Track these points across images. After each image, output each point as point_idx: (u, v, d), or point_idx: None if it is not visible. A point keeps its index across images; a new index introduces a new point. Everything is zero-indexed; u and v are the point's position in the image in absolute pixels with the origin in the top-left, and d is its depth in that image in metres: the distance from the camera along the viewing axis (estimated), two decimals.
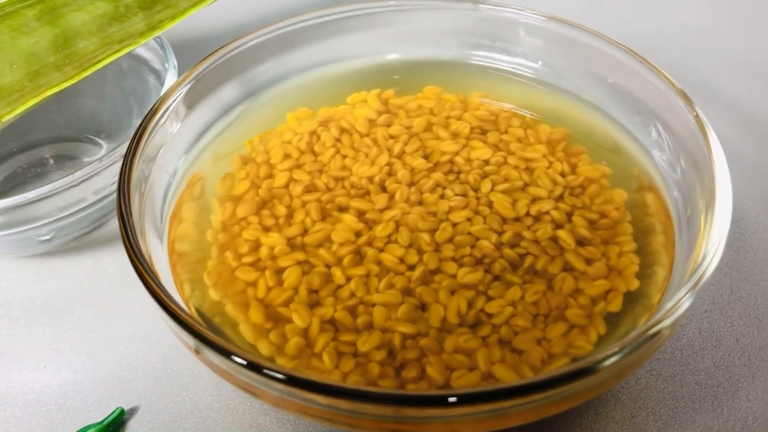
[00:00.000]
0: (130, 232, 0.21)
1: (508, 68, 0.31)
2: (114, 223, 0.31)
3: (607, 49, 0.28)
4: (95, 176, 0.27)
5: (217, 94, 0.28)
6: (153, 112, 0.25)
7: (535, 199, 0.26)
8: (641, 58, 0.26)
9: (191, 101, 0.27)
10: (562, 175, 0.27)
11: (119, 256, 0.31)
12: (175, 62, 0.31)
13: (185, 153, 0.27)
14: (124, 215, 0.22)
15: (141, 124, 0.25)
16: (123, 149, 0.27)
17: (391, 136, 0.29)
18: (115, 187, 0.27)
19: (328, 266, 0.24)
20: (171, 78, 0.30)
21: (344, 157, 0.28)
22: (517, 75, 0.30)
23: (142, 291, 0.20)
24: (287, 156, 0.28)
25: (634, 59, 0.27)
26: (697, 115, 0.24)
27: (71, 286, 0.30)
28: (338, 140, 0.28)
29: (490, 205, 0.26)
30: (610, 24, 0.39)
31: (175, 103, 0.26)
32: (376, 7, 0.30)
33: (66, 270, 0.30)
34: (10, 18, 0.31)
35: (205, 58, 0.27)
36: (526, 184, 0.26)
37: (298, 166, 0.28)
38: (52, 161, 0.35)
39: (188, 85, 0.27)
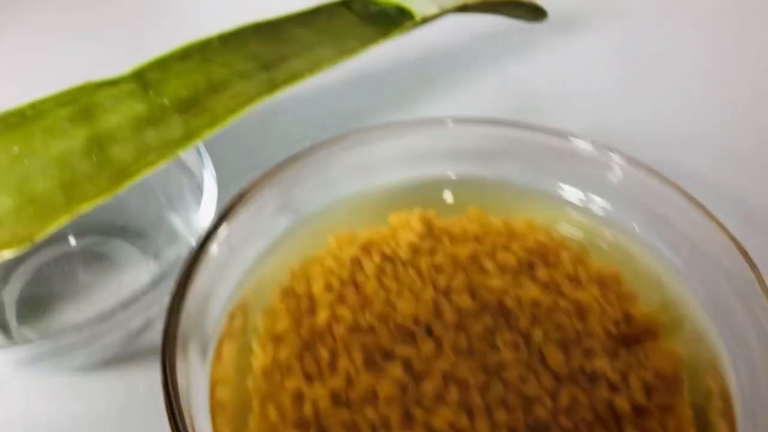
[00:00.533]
0: (174, 403, 0.20)
1: (554, 193, 0.30)
2: (144, 337, 0.31)
3: (661, 187, 0.27)
4: (136, 317, 0.26)
5: (261, 219, 0.27)
6: (201, 247, 0.24)
7: (588, 353, 0.25)
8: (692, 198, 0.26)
9: (236, 230, 0.26)
10: (616, 324, 0.26)
11: (149, 374, 0.30)
12: (213, 169, 0.30)
13: (227, 284, 0.26)
14: (170, 386, 0.21)
15: (190, 262, 0.24)
16: (167, 285, 0.26)
17: (436, 267, 0.28)
18: (153, 313, 0.26)
19: (374, 428, 0.23)
20: (209, 186, 0.29)
21: (387, 290, 0.27)
22: (565, 201, 0.29)
23: None
24: (329, 287, 0.27)
25: (684, 198, 0.26)
26: (752, 266, 0.23)
27: (101, 408, 0.29)
28: (381, 269, 0.27)
29: (542, 358, 0.25)
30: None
31: (221, 234, 0.25)
32: (422, 123, 0.29)
33: (96, 389, 0.29)
34: (43, 118, 0.30)
35: (253, 186, 0.26)
36: (578, 334, 0.25)
37: (340, 300, 0.27)
38: (79, 259, 0.34)
39: (234, 217, 0.26)
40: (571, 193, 0.29)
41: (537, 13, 0.45)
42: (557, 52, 0.49)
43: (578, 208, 0.29)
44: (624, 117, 0.43)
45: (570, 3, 0.53)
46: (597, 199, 0.29)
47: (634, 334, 0.25)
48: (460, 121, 0.29)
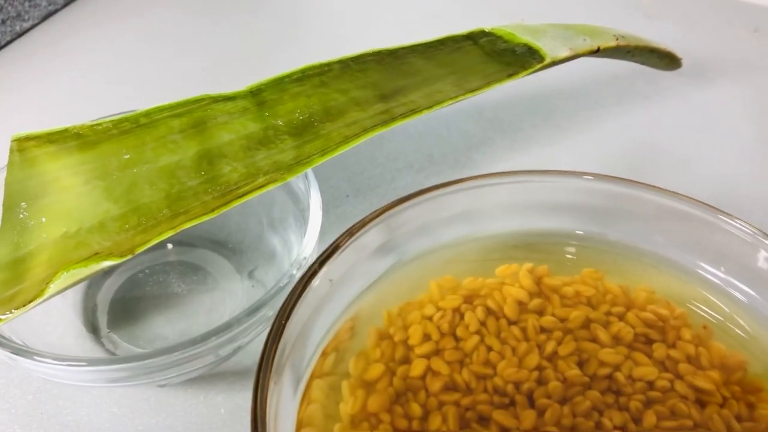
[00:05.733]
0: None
1: (685, 266, 0.27)
2: (231, 359, 0.30)
3: None
4: (229, 344, 0.25)
5: (363, 257, 0.26)
6: (306, 281, 0.23)
7: None
8: None
9: (338, 267, 0.25)
10: (738, 418, 0.23)
11: (233, 396, 0.29)
12: (319, 197, 0.29)
13: (324, 321, 0.25)
14: (258, 420, 0.20)
15: (294, 295, 0.23)
16: (264, 312, 0.25)
17: (543, 329, 0.26)
18: (246, 341, 0.25)
19: None
20: (315, 214, 0.28)
21: (489, 349, 0.25)
22: (696, 276, 0.27)
23: None
24: (427, 338, 0.26)
25: None
26: None
27: (180, 425, 0.28)
28: (483, 324, 0.26)
29: None
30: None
31: (324, 271, 0.24)
32: (541, 177, 0.27)
33: (177, 405, 0.29)
34: (156, 127, 0.30)
35: (361, 225, 0.25)
36: (695, 425, 0.23)
37: (438, 353, 0.25)
38: (174, 268, 0.33)
39: (340, 254, 0.25)
40: (703, 268, 0.27)
41: (671, 62, 0.42)
42: (686, 103, 0.46)
43: (710, 285, 0.27)
44: (756, 182, 0.40)
45: (705, 51, 0.50)
46: (733, 280, 0.26)
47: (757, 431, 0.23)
48: (597, 177, 0.27)
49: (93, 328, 0.31)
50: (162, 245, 0.34)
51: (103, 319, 0.32)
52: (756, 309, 0.26)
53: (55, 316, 0.30)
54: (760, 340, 0.25)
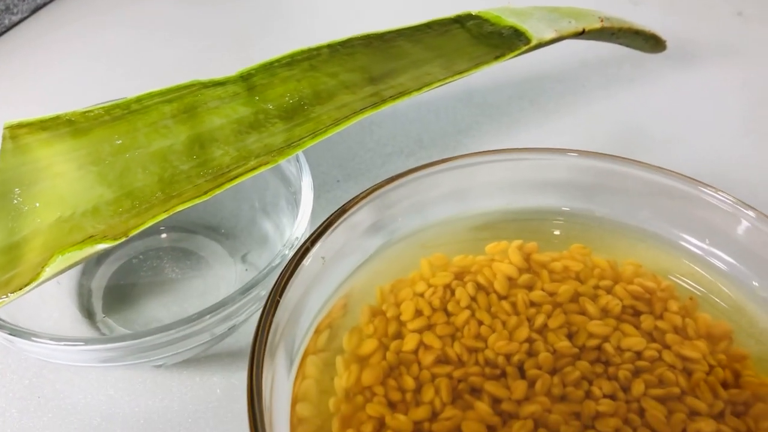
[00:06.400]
0: (257, 418, 0.20)
1: (669, 239, 0.28)
2: (225, 341, 0.30)
3: None
4: (224, 322, 0.25)
5: (354, 236, 0.27)
6: (298, 259, 0.24)
7: (692, 413, 0.23)
8: None
9: (330, 245, 0.25)
10: (724, 385, 0.24)
11: (228, 377, 0.29)
12: (311, 180, 0.29)
13: (317, 299, 0.26)
14: (254, 395, 0.20)
15: (286, 273, 0.23)
16: (258, 292, 0.25)
17: (533, 303, 0.26)
18: (240, 320, 0.26)
19: None
20: (307, 196, 0.29)
21: (480, 323, 0.26)
22: (681, 249, 0.28)
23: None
24: (418, 313, 0.26)
25: None
26: None
27: (176, 406, 0.28)
28: (474, 300, 0.26)
29: (641, 413, 0.23)
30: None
31: (316, 248, 0.24)
32: (531, 152, 0.28)
33: (173, 386, 0.29)
34: (148, 113, 0.30)
35: (352, 204, 0.25)
36: (683, 392, 0.24)
37: (429, 327, 0.26)
38: (167, 254, 0.34)
39: (332, 232, 0.25)
40: (688, 241, 0.27)
41: (656, 44, 0.42)
42: (671, 86, 0.47)
43: (695, 258, 0.27)
44: (738, 159, 0.40)
45: (689, 35, 0.50)
46: (717, 251, 0.27)
47: (744, 401, 0.23)
48: (582, 154, 0.28)
49: (88, 314, 0.31)
50: (155, 231, 0.34)
51: (98, 305, 0.32)
52: (739, 279, 0.26)
53: (51, 303, 0.30)
54: (744, 309, 0.26)
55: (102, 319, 0.31)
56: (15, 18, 0.53)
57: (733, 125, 0.43)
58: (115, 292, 0.32)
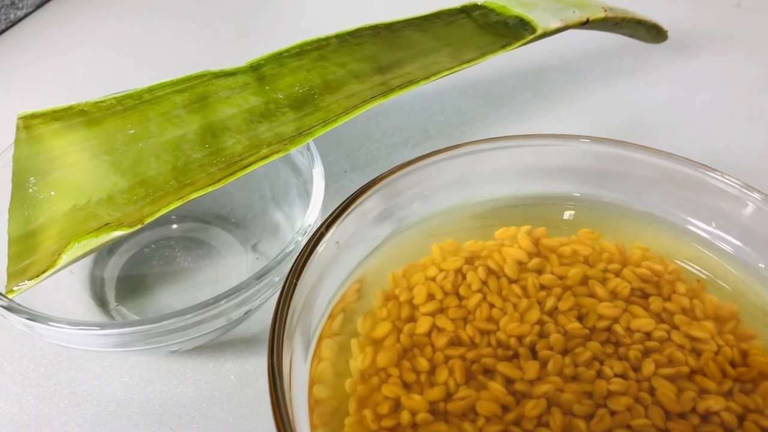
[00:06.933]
0: (279, 397, 0.20)
1: (677, 223, 0.28)
2: (239, 327, 0.31)
3: None
4: (239, 308, 0.26)
5: (365, 223, 0.27)
6: (313, 245, 0.24)
7: (702, 391, 0.24)
8: None
9: (342, 232, 0.26)
10: (732, 364, 0.24)
11: (242, 363, 0.30)
12: (322, 169, 0.30)
13: (331, 284, 0.26)
14: (276, 379, 0.21)
15: (302, 258, 0.23)
16: (271, 278, 0.26)
17: (543, 286, 0.27)
18: (254, 305, 0.26)
19: None
20: (318, 185, 0.29)
21: (491, 306, 0.26)
22: (688, 233, 0.28)
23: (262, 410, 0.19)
24: (431, 297, 0.26)
25: None
26: None
27: (191, 392, 0.29)
28: (485, 283, 0.27)
29: (651, 392, 0.23)
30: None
31: (330, 234, 0.25)
32: (540, 141, 0.28)
33: (187, 372, 0.29)
34: (159, 103, 0.31)
35: (364, 191, 0.26)
36: (692, 371, 0.24)
37: (442, 311, 0.26)
38: (179, 243, 0.34)
39: (344, 218, 0.25)
40: (695, 225, 0.28)
41: (658, 34, 0.43)
42: (672, 76, 0.47)
43: (702, 241, 0.28)
44: (740, 146, 0.41)
45: (689, 25, 0.51)
46: (724, 234, 0.27)
47: (752, 378, 0.24)
48: (592, 140, 0.28)
49: (101, 303, 0.32)
50: (166, 221, 0.35)
51: (111, 294, 0.32)
52: (746, 262, 0.27)
53: (65, 292, 0.30)
54: (750, 290, 0.26)
55: (115, 308, 0.31)
56: (20, 13, 0.53)
57: (733, 114, 0.44)
58: (128, 282, 0.33)
